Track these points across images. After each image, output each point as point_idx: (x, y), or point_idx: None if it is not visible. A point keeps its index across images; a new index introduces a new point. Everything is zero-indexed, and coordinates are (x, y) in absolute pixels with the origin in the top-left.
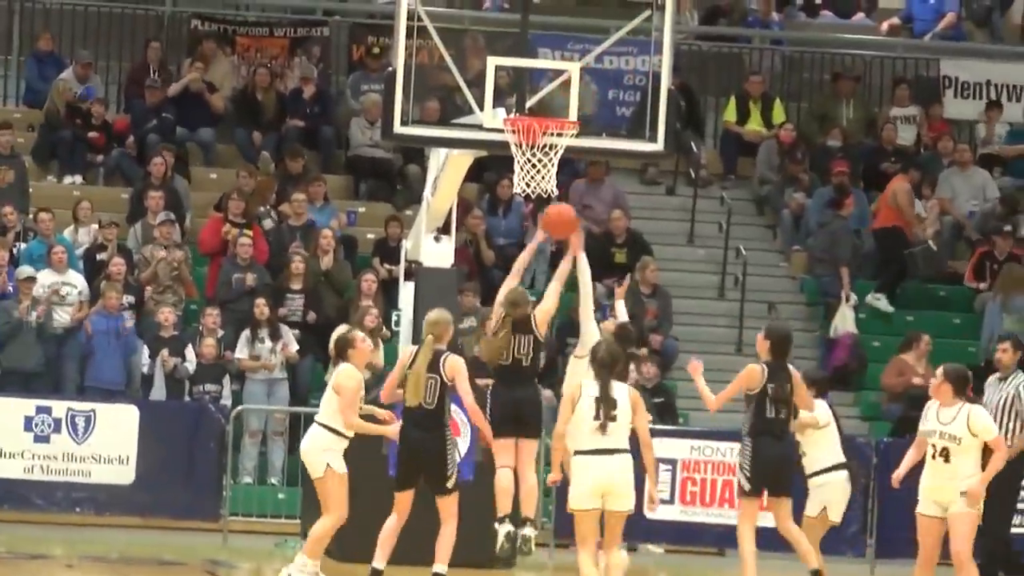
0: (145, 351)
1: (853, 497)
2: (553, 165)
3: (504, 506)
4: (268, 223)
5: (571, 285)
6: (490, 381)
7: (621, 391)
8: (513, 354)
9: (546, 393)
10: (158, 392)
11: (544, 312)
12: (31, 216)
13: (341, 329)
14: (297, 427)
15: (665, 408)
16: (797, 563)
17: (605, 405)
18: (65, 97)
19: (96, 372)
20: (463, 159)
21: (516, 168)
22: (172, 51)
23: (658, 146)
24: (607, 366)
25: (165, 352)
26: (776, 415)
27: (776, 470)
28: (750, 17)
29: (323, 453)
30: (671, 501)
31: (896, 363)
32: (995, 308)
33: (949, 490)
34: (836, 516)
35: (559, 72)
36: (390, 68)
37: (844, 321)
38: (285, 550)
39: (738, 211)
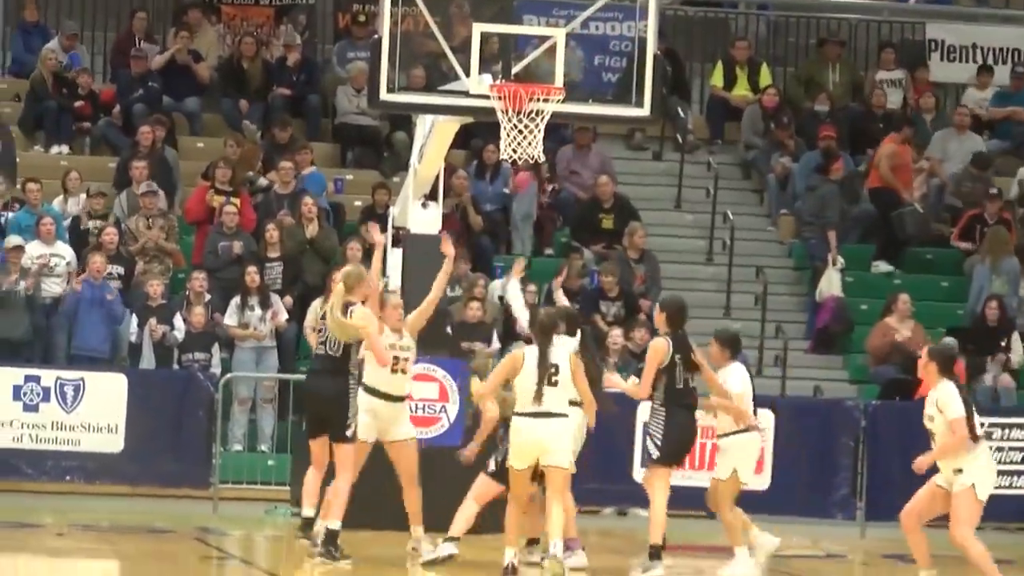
0: (133, 320)
1: (842, 461)
2: (540, 131)
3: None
4: (263, 182)
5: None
6: (489, 348)
7: (562, 355)
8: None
9: None
10: (146, 361)
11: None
12: (18, 186)
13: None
14: (286, 394)
15: None
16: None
17: (544, 370)
18: (51, 67)
19: (81, 339)
20: (450, 126)
21: (503, 134)
22: (157, 21)
23: (644, 111)
24: (547, 332)
25: (153, 321)
26: (685, 384)
27: (687, 440)
28: None
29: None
30: None
31: (880, 327)
32: (983, 270)
33: (946, 471)
34: (746, 477)
35: (545, 38)
36: (376, 35)
37: (830, 284)
38: (275, 517)
39: (725, 176)
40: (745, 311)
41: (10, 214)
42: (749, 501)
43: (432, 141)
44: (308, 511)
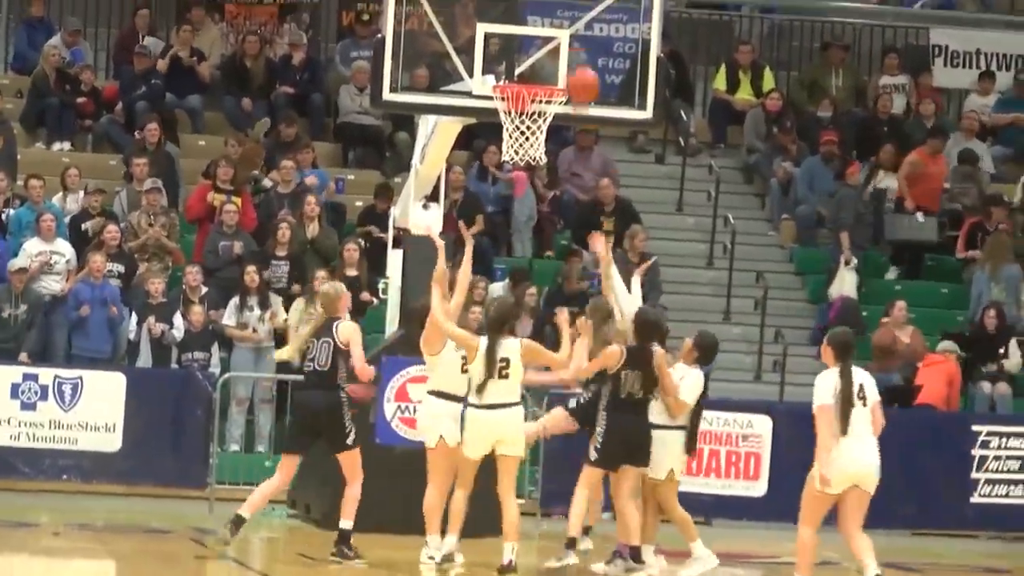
0: (133, 318)
1: None
2: (542, 132)
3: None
4: (267, 183)
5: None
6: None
7: (511, 348)
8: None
9: None
10: (144, 360)
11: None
12: (20, 183)
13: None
14: (284, 395)
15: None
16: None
17: (492, 363)
18: (54, 63)
19: (82, 340)
20: (452, 126)
21: (505, 135)
22: (160, 17)
23: (647, 114)
24: (496, 326)
25: (151, 319)
26: (629, 397)
27: (625, 445)
28: None
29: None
30: None
31: (884, 329)
32: (983, 277)
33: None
34: (658, 473)
35: (548, 39)
36: (379, 35)
37: (842, 284)
38: (271, 518)
39: (727, 179)
40: (745, 315)
41: (11, 211)
42: (746, 507)
43: (434, 141)
44: (246, 511)
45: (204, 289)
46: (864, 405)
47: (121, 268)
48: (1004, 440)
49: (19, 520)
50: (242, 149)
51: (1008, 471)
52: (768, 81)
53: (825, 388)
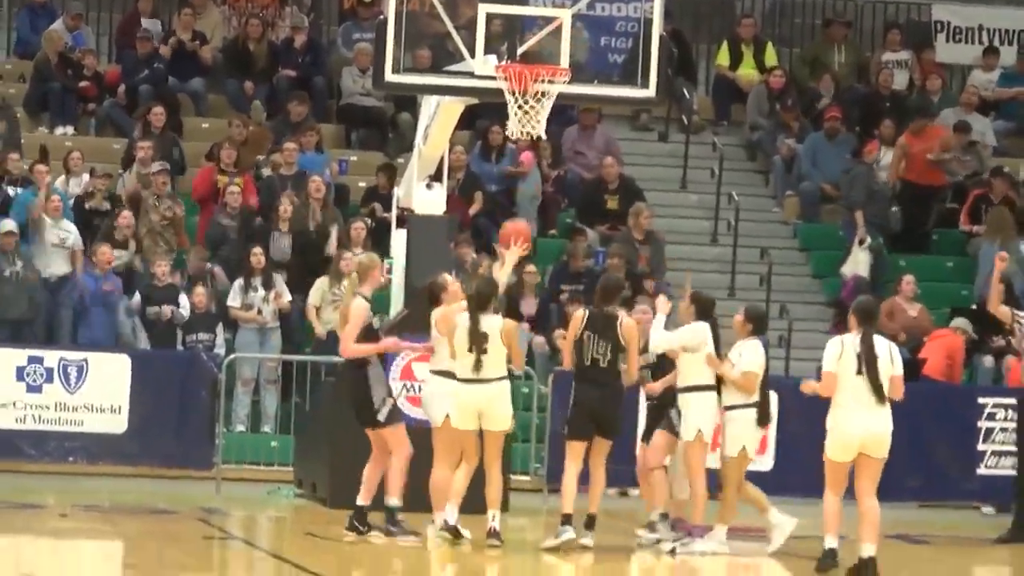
0: (137, 299)
1: None
2: (545, 112)
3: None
4: (267, 172)
5: None
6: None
7: (492, 325)
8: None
9: (538, 339)
10: (142, 342)
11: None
12: (25, 167)
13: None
14: (289, 375)
15: (659, 355)
16: None
17: (476, 340)
18: (56, 47)
19: (87, 331)
20: (455, 106)
21: (510, 112)
22: (162, 2)
23: (650, 92)
24: (480, 303)
25: (156, 309)
26: (594, 363)
27: (593, 417)
28: None
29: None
30: None
31: (888, 304)
32: (990, 250)
33: None
34: (752, 453)
35: (550, 19)
36: (381, 16)
37: (856, 263)
38: (278, 498)
39: (730, 157)
40: (750, 292)
41: (19, 189)
42: (753, 481)
43: (437, 122)
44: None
45: (209, 265)
46: (874, 375)
47: (125, 252)
48: (1010, 412)
49: (26, 502)
50: (247, 132)
51: (1014, 443)
52: (771, 56)
53: (830, 356)
